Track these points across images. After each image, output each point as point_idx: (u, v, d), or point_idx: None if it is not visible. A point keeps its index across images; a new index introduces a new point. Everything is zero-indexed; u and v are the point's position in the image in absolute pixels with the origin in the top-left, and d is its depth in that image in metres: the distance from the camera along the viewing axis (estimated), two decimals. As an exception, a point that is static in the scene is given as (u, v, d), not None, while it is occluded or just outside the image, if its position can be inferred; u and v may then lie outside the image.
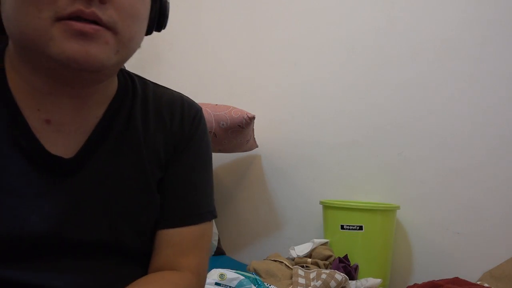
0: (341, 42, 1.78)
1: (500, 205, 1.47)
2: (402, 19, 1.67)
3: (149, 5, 0.56)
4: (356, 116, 1.73)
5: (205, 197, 0.66)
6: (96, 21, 0.47)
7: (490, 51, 1.52)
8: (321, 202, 1.64)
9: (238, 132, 1.58)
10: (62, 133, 0.55)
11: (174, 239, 0.61)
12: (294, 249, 1.52)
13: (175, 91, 0.69)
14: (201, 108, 0.69)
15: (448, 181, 1.55)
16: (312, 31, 1.84)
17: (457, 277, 1.26)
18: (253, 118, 1.57)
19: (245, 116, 1.54)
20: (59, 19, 0.45)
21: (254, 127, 1.66)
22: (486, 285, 1.28)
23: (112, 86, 0.60)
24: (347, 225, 1.49)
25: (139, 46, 0.56)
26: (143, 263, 0.62)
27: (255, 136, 1.73)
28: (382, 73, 1.69)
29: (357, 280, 1.35)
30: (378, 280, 1.37)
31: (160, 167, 0.62)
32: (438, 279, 1.26)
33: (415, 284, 1.28)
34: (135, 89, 0.63)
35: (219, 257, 1.70)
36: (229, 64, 2.02)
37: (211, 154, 0.69)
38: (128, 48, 0.52)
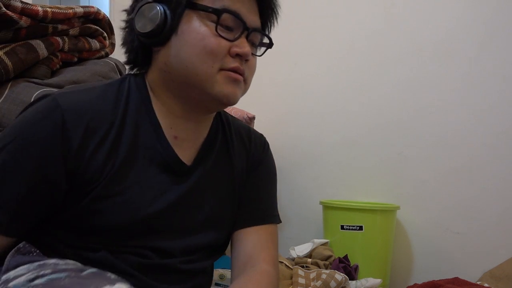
0: (341, 41, 1.78)
1: (500, 205, 1.47)
2: (402, 18, 1.67)
3: None
4: (356, 116, 1.73)
5: (274, 204, 0.84)
6: (241, 74, 0.69)
7: (490, 51, 1.52)
8: (321, 202, 1.64)
9: (238, 132, 1.58)
10: (183, 147, 0.73)
11: (252, 236, 0.78)
12: (294, 249, 1.52)
13: (243, 123, 0.89)
14: (265, 138, 0.89)
15: (448, 181, 1.55)
16: (312, 30, 1.84)
17: (457, 277, 1.26)
18: (253, 118, 1.57)
19: (245, 116, 1.54)
20: (223, 69, 0.67)
21: (254, 127, 1.66)
22: (486, 285, 1.28)
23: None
24: (347, 225, 1.49)
25: None
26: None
27: (255, 136, 1.73)
28: (382, 73, 1.69)
29: (357, 280, 1.35)
30: (378, 280, 1.37)
31: (242, 182, 0.80)
32: (438, 279, 1.26)
33: (415, 284, 1.28)
34: (221, 115, 0.82)
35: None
36: (229, 64, 2.02)
37: (277, 176, 0.89)
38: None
